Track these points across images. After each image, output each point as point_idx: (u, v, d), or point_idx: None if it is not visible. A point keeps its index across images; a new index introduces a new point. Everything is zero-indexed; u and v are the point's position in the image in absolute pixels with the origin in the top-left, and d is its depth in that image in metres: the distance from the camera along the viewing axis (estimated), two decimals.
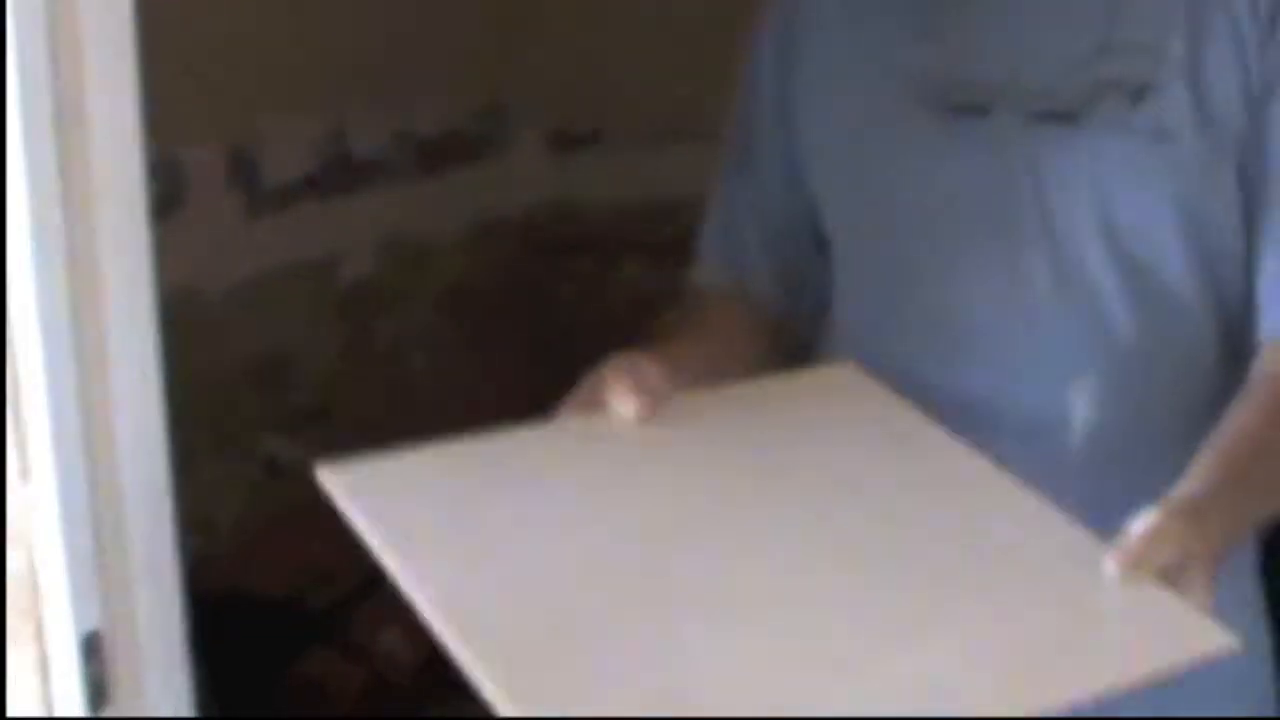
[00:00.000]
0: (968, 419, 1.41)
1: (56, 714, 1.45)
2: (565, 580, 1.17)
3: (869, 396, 1.37)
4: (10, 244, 1.32)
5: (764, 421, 1.34)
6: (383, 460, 1.33)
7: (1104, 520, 1.31)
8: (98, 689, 1.45)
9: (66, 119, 1.33)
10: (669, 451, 1.29)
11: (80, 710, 1.44)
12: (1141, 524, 1.24)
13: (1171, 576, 1.22)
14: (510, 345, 3.05)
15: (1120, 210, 1.46)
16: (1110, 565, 1.22)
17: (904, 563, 1.20)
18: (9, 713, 1.46)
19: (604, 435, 1.31)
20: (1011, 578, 1.20)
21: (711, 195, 1.69)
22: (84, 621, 1.42)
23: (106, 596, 1.43)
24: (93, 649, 1.43)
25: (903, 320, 1.55)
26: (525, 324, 3.09)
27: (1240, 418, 1.42)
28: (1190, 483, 1.33)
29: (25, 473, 1.38)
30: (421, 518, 1.23)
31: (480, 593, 1.15)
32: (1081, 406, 1.45)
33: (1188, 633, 1.17)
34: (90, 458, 1.40)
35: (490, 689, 1.05)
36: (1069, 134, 1.46)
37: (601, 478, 1.29)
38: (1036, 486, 1.35)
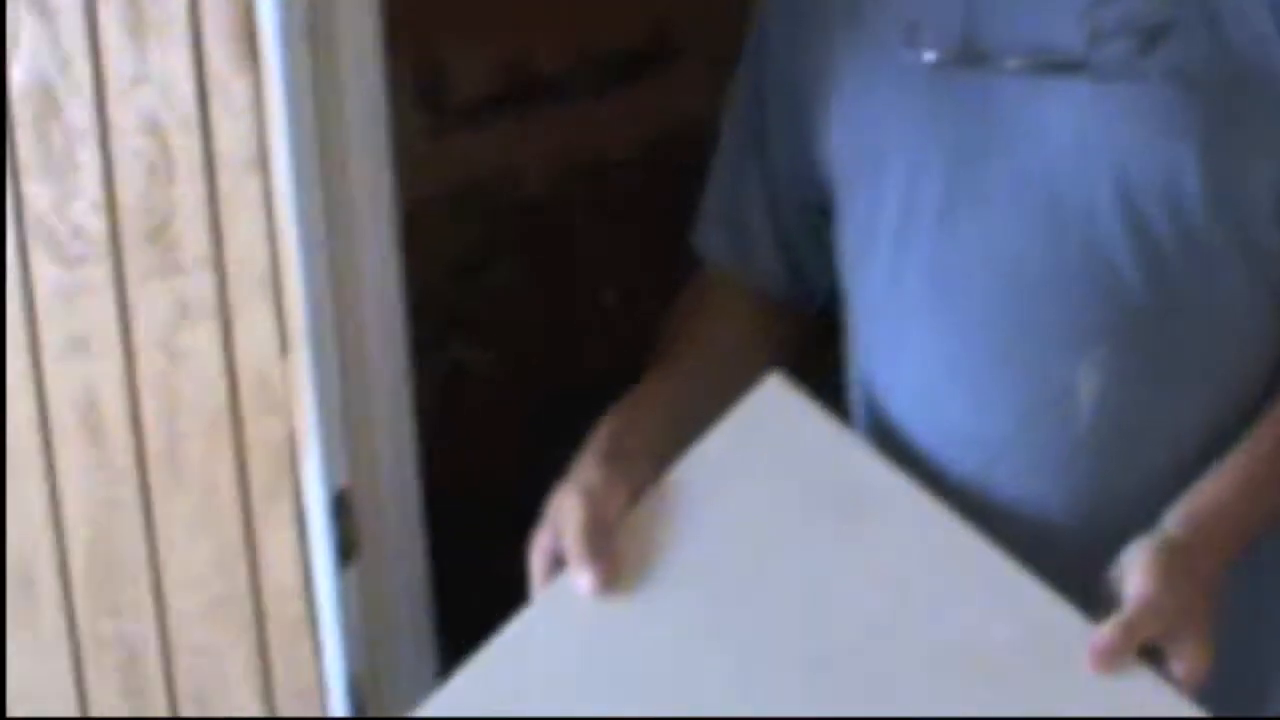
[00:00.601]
0: (968, 394, 1.37)
1: (313, 568, 1.63)
2: None
3: (801, 440, 1.30)
4: (273, 150, 1.50)
5: (711, 533, 1.28)
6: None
7: (1113, 500, 1.31)
8: (346, 545, 1.62)
9: (318, 36, 1.51)
10: (633, 629, 1.26)
11: (330, 564, 1.62)
12: (1123, 609, 1.21)
13: (1162, 641, 1.21)
14: (689, 258, 3.15)
15: (1133, 162, 1.34)
16: (1090, 664, 1.19)
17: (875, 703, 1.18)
18: (266, 570, 1.64)
19: (571, 620, 1.28)
20: (987, 696, 1.18)
21: (713, 174, 1.59)
22: (334, 480, 1.59)
23: (354, 458, 1.61)
24: (342, 507, 1.61)
25: (900, 285, 1.44)
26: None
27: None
28: (1194, 504, 1.28)
29: (284, 348, 1.57)
30: None
31: None
32: (1091, 377, 1.35)
33: None
34: (340, 335, 1.58)
35: None
36: (1072, 84, 1.34)
37: (578, 689, 1.26)
38: (1041, 468, 1.33)
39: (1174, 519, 1.28)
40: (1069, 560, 1.33)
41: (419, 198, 2.87)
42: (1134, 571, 1.23)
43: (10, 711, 1.83)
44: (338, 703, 1.65)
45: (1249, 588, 1.39)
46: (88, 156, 1.58)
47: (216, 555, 1.67)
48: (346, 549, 1.62)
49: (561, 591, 1.26)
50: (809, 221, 1.54)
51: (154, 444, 1.66)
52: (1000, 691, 1.17)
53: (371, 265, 1.61)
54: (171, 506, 1.67)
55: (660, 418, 1.40)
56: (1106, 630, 1.20)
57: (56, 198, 1.61)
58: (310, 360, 1.55)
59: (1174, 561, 1.23)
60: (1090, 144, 1.34)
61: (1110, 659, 1.19)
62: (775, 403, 1.32)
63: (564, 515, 1.32)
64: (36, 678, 1.80)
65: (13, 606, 1.79)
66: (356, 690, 1.64)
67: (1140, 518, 1.33)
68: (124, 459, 1.67)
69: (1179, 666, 1.20)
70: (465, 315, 2.95)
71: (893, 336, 1.44)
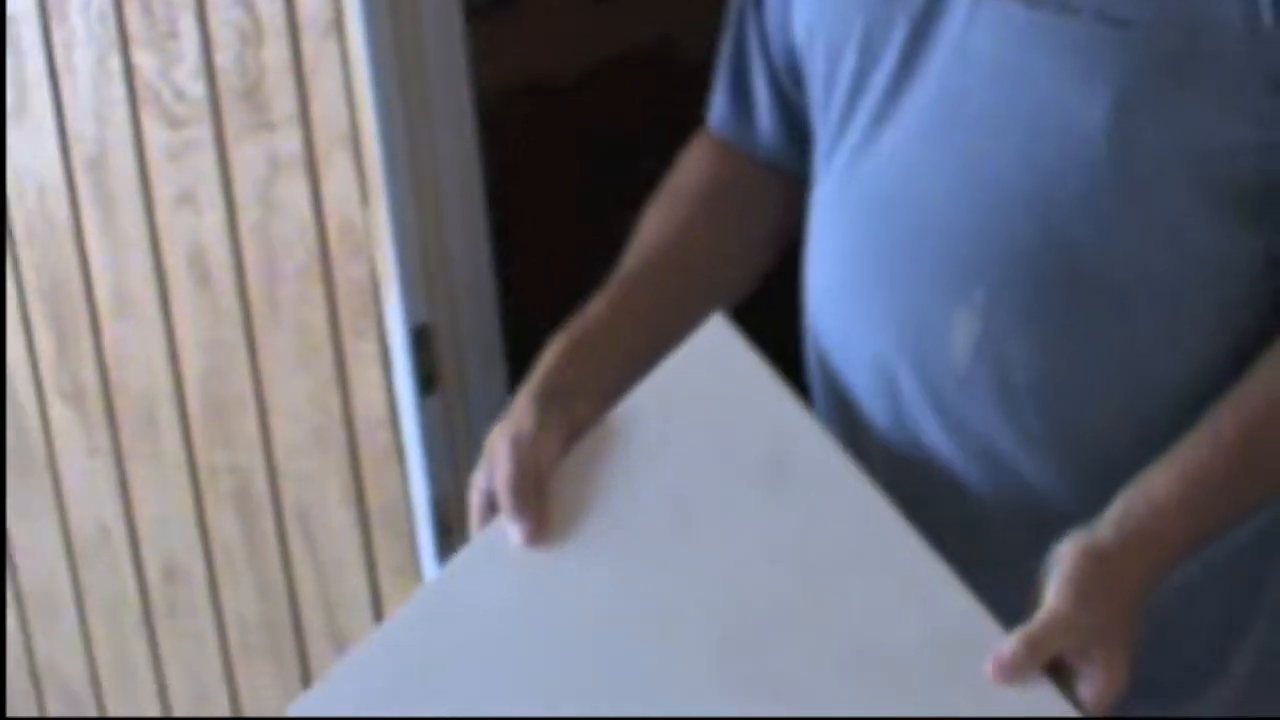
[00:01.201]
0: (861, 311, 1.29)
1: (398, 399, 1.76)
2: None
3: (742, 389, 1.25)
4: (347, 14, 1.63)
5: (640, 486, 1.24)
6: (331, 683, 1.29)
7: (1001, 458, 1.23)
8: (428, 377, 1.75)
9: None
10: (563, 573, 1.24)
11: (413, 396, 1.75)
12: (1035, 620, 1.11)
13: (1072, 660, 1.11)
14: None
15: (1044, 96, 1.21)
16: (991, 675, 1.11)
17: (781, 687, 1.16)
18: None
19: (498, 570, 1.26)
20: (883, 695, 1.14)
21: (724, 35, 1.48)
22: (413, 317, 1.72)
23: (433, 296, 1.73)
24: (422, 342, 1.74)
25: (824, 184, 1.35)
26: None
27: (1251, 387, 1.19)
28: (1132, 506, 1.15)
29: (365, 198, 1.70)
30: None
31: None
32: (968, 320, 1.23)
33: None
34: (418, 183, 1.70)
35: None
36: (1009, 6, 1.22)
37: (501, 640, 1.24)
38: (931, 400, 1.25)
39: (1108, 519, 1.14)
40: (965, 503, 1.28)
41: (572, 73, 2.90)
42: (1053, 580, 1.12)
43: (143, 547, 1.99)
44: (423, 522, 1.78)
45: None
46: (187, 26, 1.73)
47: (313, 390, 1.80)
48: (428, 381, 1.74)
49: (494, 538, 1.24)
50: (804, 89, 1.40)
51: (255, 288, 1.80)
52: (897, 691, 1.13)
53: (446, 119, 1.72)
54: (272, 345, 1.82)
55: (608, 347, 1.30)
56: (1011, 642, 1.11)
57: (161, 65, 1.76)
58: (389, 208, 1.68)
59: (1096, 574, 1.11)
60: (1006, 70, 1.21)
61: (1011, 672, 1.10)
62: (716, 348, 1.26)
63: (496, 462, 1.25)
64: (161, 508, 1.96)
65: (137, 444, 1.95)
66: (440, 510, 1.77)
67: (1037, 484, 1.25)
68: (229, 302, 1.82)
69: (1085, 688, 1.10)
70: (619, 189, 2.93)
71: (814, 233, 1.35)
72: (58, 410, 1.99)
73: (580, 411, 1.26)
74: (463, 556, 1.28)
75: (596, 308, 1.32)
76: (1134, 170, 1.19)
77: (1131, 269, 1.20)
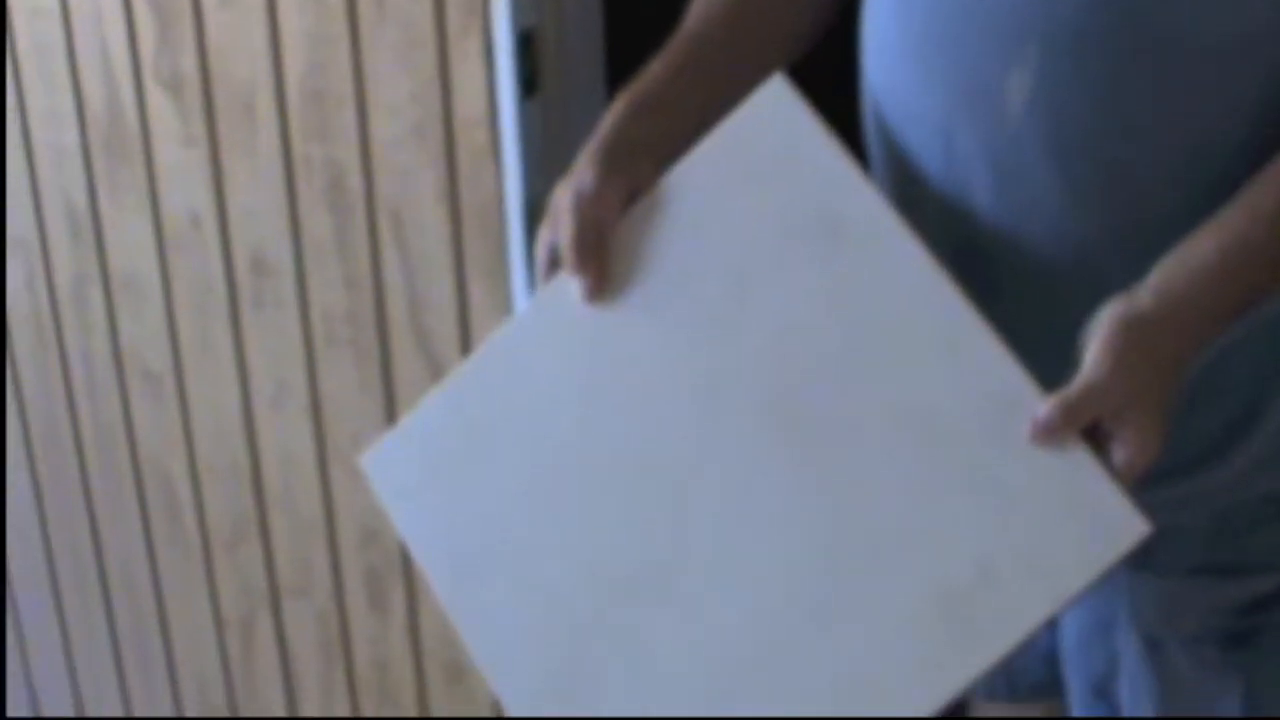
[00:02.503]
0: (916, 70, 1.29)
1: (499, 100, 1.78)
2: (532, 553, 1.23)
3: (798, 150, 1.25)
4: None
5: (698, 246, 1.26)
6: (404, 430, 1.33)
7: (1051, 212, 1.23)
8: (530, 79, 1.77)
9: None
10: (621, 326, 1.26)
11: (514, 97, 1.77)
12: (1076, 381, 1.11)
13: (1109, 424, 1.11)
14: None
15: None
16: (1030, 434, 1.12)
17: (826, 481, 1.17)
18: None
19: (567, 317, 1.28)
20: (936, 456, 1.15)
21: None
22: (520, 18, 1.74)
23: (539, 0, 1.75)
24: (527, 44, 1.75)
25: None
26: None
27: None
28: (1171, 272, 1.14)
29: None
30: (432, 497, 1.28)
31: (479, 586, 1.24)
32: (1020, 76, 1.23)
33: (1103, 529, 1.09)
34: None
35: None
36: None
37: (560, 396, 1.27)
38: (984, 156, 1.25)
39: (1148, 285, 1.14)
40: (1014, 264, 1.28)
41: None
42: (1091, 346, 1.12)
43: (233, 237, 2.02)
44: (515, 224, 1.82)
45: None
46: None
47: (414, 87, 1.82)
48: (530, 83, 1.77)
49: (556, 293, 1.27)
50: None
51: None
52: (937, 449, 1.14)
53: None
54: (376, 40, 1.83)
55: (669, 108, 1.31)
56: (1048, 406, 1.11)
57: None
58: None
59: (1133, 339, 1.11)
60: None
61: (1047, 435, 1.11)
62: (774, 110, 1.26)
63: (559, 218, 1.27)
64: (253, 199, 1.99)
65: (233, 135, 1.97)
66: (532, 213, 1.79)
67: (1084, 242, 1.25)
68: None
69: (1119, 451, 1.10)
70: None
71: None
72: (155, 98, 2.02)
73: (642, 170, 1.28)
74: (526, 312, 1.32)
75: (658, 67, 1.33)
76: None
77: (1183, 25, 1.18)
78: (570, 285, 1.26)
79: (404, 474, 1.28)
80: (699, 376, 1.22)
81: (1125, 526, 1.08)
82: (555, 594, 1.21)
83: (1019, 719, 1.62)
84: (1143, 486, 1.11)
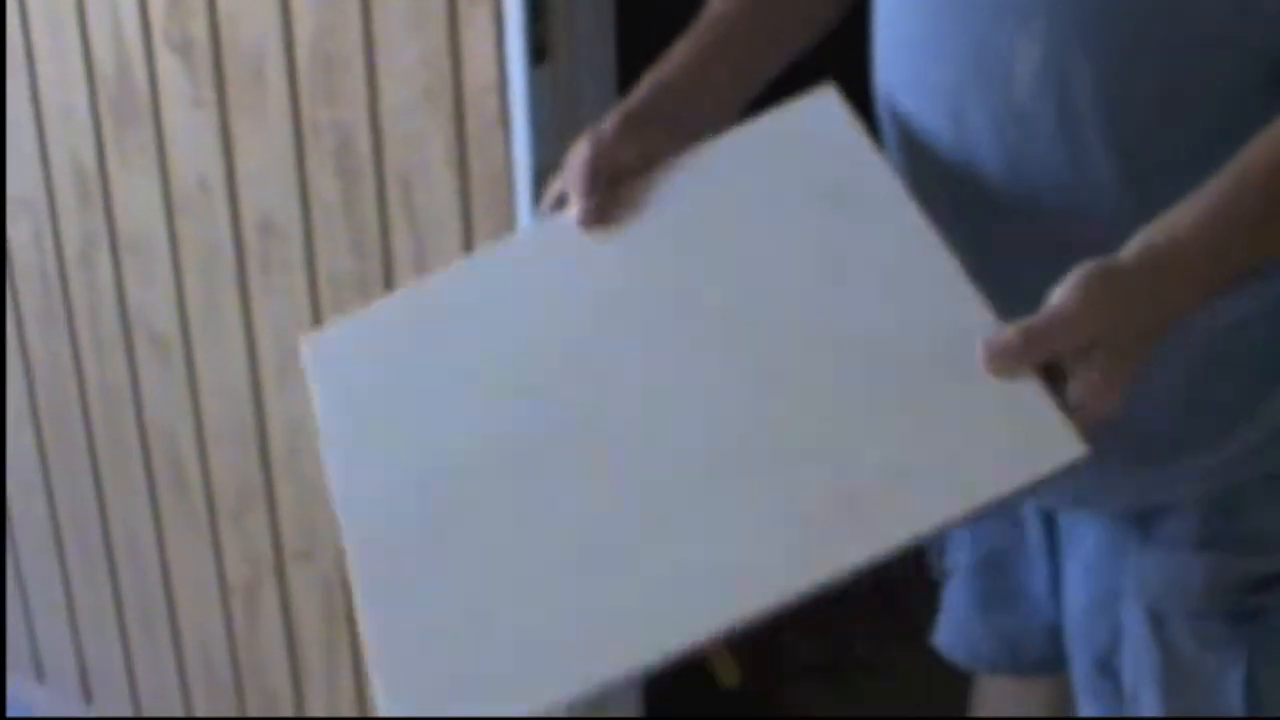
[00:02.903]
0: (928, 40, 1.29)
1: (509, 67, 1.77)
2: (453, 466, 1.18)
3: (838, 143, 1.27)
4: None
5: (710, 197, 1.27)
6: (353, 320, 1.35)
7: (1063, 186, 1.23)
8: (540, 46, 1.76)
9: None
10: (605, 255, 1.27)
11: (524, 64, 1.76)
12: (1046, 308, 1.09)
13: (1069, 362, 1.09)
14: None
15: None
16: (980, 355, 1.09)
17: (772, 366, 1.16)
18: None
19: (555, 244, 1.30)
20: (879, 377, 1.13)
21: None
22: None
23: None
24: (537, 11, 1.74)
25: None
26: None
27: None
28: (1155, 231, 1.13)
29: None
30: (363, 391, 1.26)
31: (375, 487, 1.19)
32: (1029, 47, 1.22)
33: (1035, 445, 1.06)
34: None
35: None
36: None
37: (533, 306, 1.27)
38: (994, 128, 1.25)
39: (1131, 244, 1.12)
40: (1024, 234, 1.28)
41: None
42: (1062, 285, 1.10)
43: (241, 200, 2.00)
44: (523, 191, 1.79)
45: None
46: None
47: (424, 52, 1.80)
48: (539, 51, 1.75)
49: (551, 226, 1.29)
50: None
51: None
52: (887, 376, 1.12)
53: None
54: (386, 5, 1.82)
55: (694, 88, 1.33)
56: (1007, 330, 1.09)
57: None
58: None
59: (1108, 284, 1.09)
60: None
61: (1002, 359, 1.08)
62: (821, 111, 1.28)
63: (572, 152, 1.30)
64: (262, 162, 1.97)
65: (242, 98, 1.96)
66: (541, 181, 1.75)
67: (1095, 214, 1.25)
68: None
69: (1075, 390, 1.07)
70: None
71: None
72: (165, 61, 2.01)
73: (658, 141, 1.30)
74: (516, 235, 1.37)
75: (683, 48, 1.34)
76: None
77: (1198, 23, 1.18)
78: (565, 219, 1.27)
79: (340, 361, 1.27)
80: (663, 299, 1.22)
81: (1061, 444, 1.04)
82: (439, 456, 1.17)
83: (1023, 718, 1.64)
84: (1105, 443, 1.08)
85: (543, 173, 1.77)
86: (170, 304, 2.13)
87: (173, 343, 2.16)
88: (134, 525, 2.32)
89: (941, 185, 1.29)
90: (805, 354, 1.15)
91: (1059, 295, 1.09)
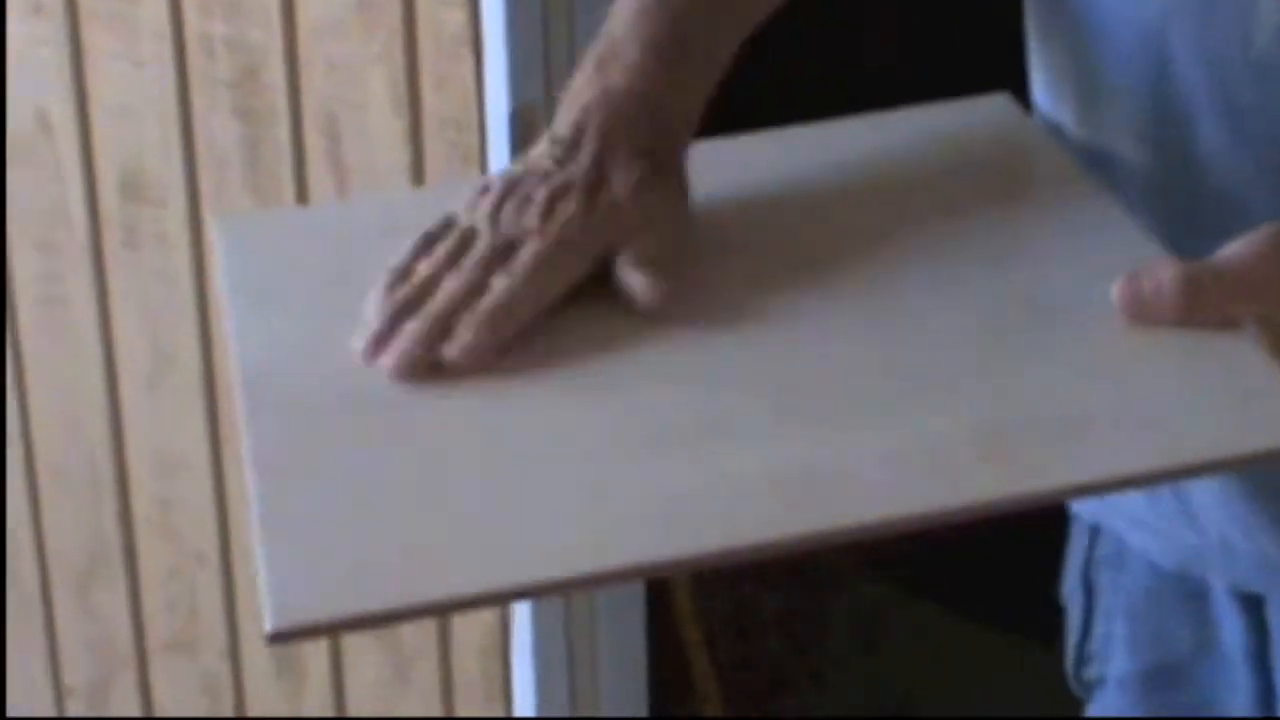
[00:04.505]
0: (1145, 13, 1.20)
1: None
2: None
3: (1017, 137, 1.28)
4: None
5: (876, 174, 1.27)
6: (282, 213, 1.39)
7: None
8: None
9: None
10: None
11: None
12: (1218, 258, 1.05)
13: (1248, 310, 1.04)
14: None
15: None
16: (1117, 298, 1.05)
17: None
18: None
19: None
20: (1062, 331, 1.10)
21: None
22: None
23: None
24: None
25: None
26: None
27: None
28: None
29: None
30: (283, 280, 1.22)
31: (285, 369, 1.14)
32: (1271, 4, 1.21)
33: (1263, 414, 1.02)
34: None
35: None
36: None
37: None
38: (1224, 89, 1.18)
39: None
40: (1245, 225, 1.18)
41: None
42: (1248, 240, 1.05)
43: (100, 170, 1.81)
44: (498, 140, 1.60)
45: None
46: None
47: None
48: None
49: None
50: None
51: None
52: (1067, 331, 1.09)
53: None
54: None
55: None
56: (1163, 267, 1.05)
57: None
58: None
59: (1273, 250, 1.05)
60: None
61: (1190, 294, 1.04)
62: (997, 110, 1.31)
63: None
64: (131, 95, 1.75)
65: (99, 5, 1.72)
66: (522, 126, 1.60)
67: None
68: None
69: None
70: None
71: None
72: None
73: (709, 74, 1.23)
74: None
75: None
76: None
77: None
78: None
79: (251, 246, 1.24)
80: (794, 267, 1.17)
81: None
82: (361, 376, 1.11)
83: None
84: None
85: (523, 115, 1.62)
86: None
87: None
88: None
89: (1122, 138, 1.24)
90: (974, 315, 1.13)
91: (1239, 242, 1.05)
